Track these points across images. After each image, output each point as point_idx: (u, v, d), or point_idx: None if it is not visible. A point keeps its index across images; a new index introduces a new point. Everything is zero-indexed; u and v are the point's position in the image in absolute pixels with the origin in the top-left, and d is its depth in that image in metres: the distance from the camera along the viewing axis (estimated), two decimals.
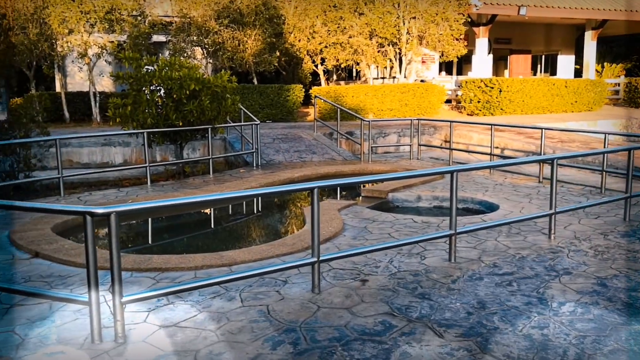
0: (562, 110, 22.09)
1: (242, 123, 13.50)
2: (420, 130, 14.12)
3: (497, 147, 13.07)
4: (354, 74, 27.97)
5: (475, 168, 6.68)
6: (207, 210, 9.52)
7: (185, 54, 19.07)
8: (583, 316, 4.38)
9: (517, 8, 22.15)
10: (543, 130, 10.91)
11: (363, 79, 25.38)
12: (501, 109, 20.69)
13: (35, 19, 17.29)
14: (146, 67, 11.17)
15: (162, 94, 11.09)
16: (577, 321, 4.29)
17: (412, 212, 8.70)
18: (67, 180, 10.47)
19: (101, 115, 18.64)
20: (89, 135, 13.42)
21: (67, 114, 19.31)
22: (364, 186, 10.07)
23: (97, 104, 18.99)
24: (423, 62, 24.04)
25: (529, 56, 28.58)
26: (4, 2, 16.65)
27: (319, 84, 24.37)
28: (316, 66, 23.62)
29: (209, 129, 11.48)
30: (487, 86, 20.73)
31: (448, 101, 23.35)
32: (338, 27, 21.13)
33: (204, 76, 11.59)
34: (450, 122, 13.06)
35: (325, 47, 21.55)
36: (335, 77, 27.33)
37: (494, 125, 12.07)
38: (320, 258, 4.85)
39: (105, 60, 19.28)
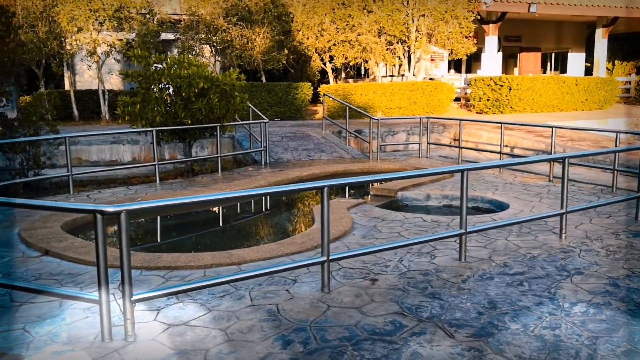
0: (572, 108, 21.94)
1: (251, 121, 13.49)
2: (429, 128, 14.06)
3: (506, 146, 12.98)
4: (363, 72, 27.90)
5: (486, 167, 6.64)
6: (216, 209, 9.52)
7: (193, 52, 19.10)
8: (595, 317, 4.34)
9: (527, 5, 22.00)
10: (553, 128, 10.82)
11: (371, 77, 25.32)
12: (511, 107, 20.57)
13: (45, 17, 17.38)
14: (155, 65, 11.18)
15: (171, 92, 11.11)
16: (589, 322, 4.25)
17: (421, 211, 8.67)
18: (77, 178, 10.50)
19: (110, 113, 18.71)
20: (98, 134, 13.45)
21: (76, 112, 19.40)
22: (372, 185, 10.03)
23: (106, 102, 19.06)
24: (432, 60, 23.96)
25: (539, 54, 28.41)
26: (14, 0, 16.72)
27: (327, 82, 24.34)
28: (324, 64, 23.59)
29: (218, 127, 11.49)
30: (496, 84, 20.62)
31: (457, 99, 23.26)
32: (347, 24, 21.09)
33: (213, 74, 11.59)
34: (460, 120, 13.00)
35: (334, 44, 21.51)
36: (343, 75, 27.28)
37: (504, 123, 12.00)
38: (330, 257, 4.83)
39: (114, 58, 19.33)
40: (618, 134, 9.59)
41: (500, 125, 11.96)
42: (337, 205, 8.11)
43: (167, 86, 11.06)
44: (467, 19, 20.54)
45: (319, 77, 25.39)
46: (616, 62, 29.02)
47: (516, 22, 24.99)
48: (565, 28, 27.87)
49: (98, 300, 3.94)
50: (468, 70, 27.67)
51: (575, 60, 28.83)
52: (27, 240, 6.55)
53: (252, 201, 10.01)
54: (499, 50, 24.67)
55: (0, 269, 5.69)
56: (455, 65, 27.49)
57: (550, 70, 29.81)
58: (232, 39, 19.22)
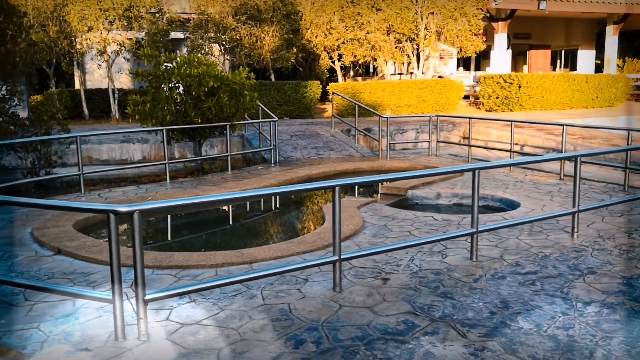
0: (582, 106, 21.81)
1: (260, 120, 13.51)
2: (439, 126, 14.02)
3: (516, 144, 12.92)
4: (371, 70, 27.86)
5: (498, 166, 6.61)
6: (225, 207, 9.54)
7: (202, 51, 19.14)
8: (609, 317, 4.31)
9: (537, 2, 21.87)
10: (564, 126, 10.76)
11: (380, 75, 25.28)
12: (520, 105, 20.47)
13: (55, 16, 17.47)
14: (165, 64, 11.22)
15: (181, 91, 11.14)
16: (603, 322, 4.22)
17: (431, 210, 8.64)
18: (87, 177, 10.54)
19: (120, 112, 18.79)
20: (109, 133, 13.50)
21: (86, 111, 19.50)
22: (382, 183, 10.02)
23: (116, 101, 19.14)
24: (441, 57, 23.88)
25: (549, 51, 28.24)
26: (25, 1, 16.83)
27: (336, 80, 24.32)
28: (333, 62, 23.57)
29: (227, 126, 11.50)
30: (506, 82, 20.52)
31: (466, 97, 23.17)
32: (355, 23, 21.06)
33: (223, 73, 11.61)
34: (470, 118, 12.95)
35: (343, 43, 21.49)
36: (352, 73, 27.25)
37: (514, 121, 11.94)
38: (342, 256, 4.83)
39: (124, 57, 19.41)
40: (630, 132, 9.52)
41: (510, 123, 11.90)
42: (347, 204, 8.10)
43: (177, 85, 11.10)
44: (476, 16, 20.45)
45: (327, 76, 25.38)
46: (627, 59, 28.81)
47: (526, 19, 24.85)
48: (575, 25, 27.69)
49: (111, 299, 3.96)
50: (477, 68, 27.56)
51: (585, 58, 28.63)
52: (39, 239, 6.60)
53: (262, 200, 10.02)
54: (508, 48, 24.54)
55: (13, 267, 5.73)
56: (464, 62, 27.40)
57: (560, 67, 29.64)
58: (241, 37, 19.24)
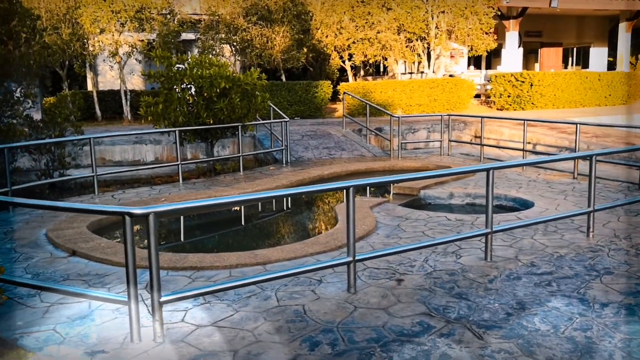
0: (595, 104, 21.64)
1: (272, 120, 13.52)
2: (450, 125, 13.96)
3: (529, 143, 12.84)
4: (382, 70, 27.80)
5: (513, 165, 6.56)
6: (237, 207, 9.55)
7: (213, 52, 19.20)
8: (628, 318, 4.27)
9: (548, 0, 21.72)
10: (578, 125, 10.67)
11: (391, 74, 25.22)
12: (532, 104, 20.35)
13: (68, 19, 17.61)
14: (177, 65, 11.26)
15: (193, 92, 11.17)
16: (621, 323, 4.18)
17: (444, 210, 8.60)
18: (101, 178, 10.61)
19: (132, 113, 18.89)
20: (122, 134, 13.58)
21: (98, 112, 19.63)
22: (393, 183, 9.98)
23: (128, 102, 19.25)
24: (452, 56, 23.79)
25: (560, 49, 28.03)
26: (38, 4, 16.96)
27: (346, 80, 24.30)
28: (343, 62, 23.55)
29: (239, 127, 11.52)
30: (517, 80, 20.41)
31: (477, 96, 23.06)
32: (366, 22, 21.03)
33: (234, 74, 11.63)
34: (482, 117, 12.88)
35: (353, 42, 21.47)
36: (362, 72, 27.22)
37: (527, 120, 11.84)
38: (356, 258, 4.82)
39: (135, 59, 19.52)
40: None
41: (523, 122, 11.81)
42: (359, 204, 8.07)
43: (189, 86, 11.13)
44: (487, 15, 20.36)
45: (337, 75, 25.37)
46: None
47: (537, 17, 24.69)
48: (587, 22, 27.46)
49: (127, 301, 3.97)
50: (488, 67, 27.43)
51: (598, 55, 28.39)
52: (54, 240, 6.64)
53: (273, 200, 10.02)
54: (519, 46, 24.41)
55: (29, 269, 5.77)
56: (475, 61, 27.26)
57: (572, 65, 29.42)
58: (252, 38, 19.28)
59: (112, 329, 4.25)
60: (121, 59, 18.89)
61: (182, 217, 8.88)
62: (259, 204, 9.78)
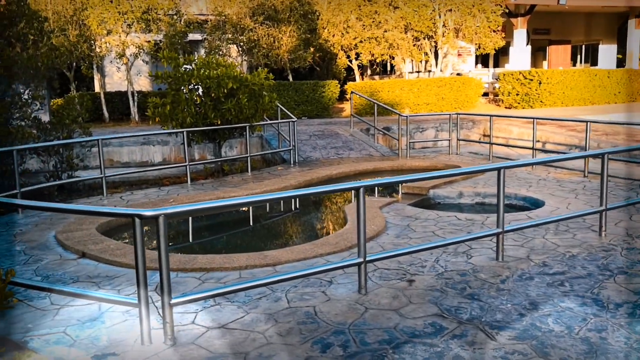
0: (604, 101, 21.49)
1: (279, 120, 13.50)
2: (459, 124, 13.89)
3: (538, 141, 12.74)
4: (389, 69, 27.73)
5: (524, 164, 6.51)
6: (245, 208, 9.53)
7: (220, 52, 19.20)
8: None
9: None
10: (588, 123, 10.57)
11: (398, 73, 25.16)
12: (541, 102, 20.23)
13: (75, 20, 17.67)
14: (184, 66, 11.25)
15: (200, 93, 11.16)
16: (636, 324, 4.12)
17: (454, 209, 8.55)
18: (109, 179, 10.62)
19: (139, 114, 18.93)
20: (130, 135, 13.59)
21: (106, 114, 19.68)
22: (404, 183, 9.92)
23: (135, 103, 19.29)
24: (459, 55, 23.69)
25: (569, 47, 27.87)
26: (45, 6, 17.01)
27: (353, 79, 24.26)
28: (350, 61, 23.50)
29: (247, 127, 11.51)
30: (525, 78, 20.30)
31: (485, 94, 22.96)
32: (373, 21, 20.98)
33: (242, 74, 11.61)
34: (490, 116, 12.81)
35: (360, 41, 21.43)
36: (369, 72, 27.15)
37: (536, 118, 11.74)
38: (367, 258, 4.78)
39: (142, 60, 19.55)
40: None
41: (532, 120, 11.71)
42: (369, 204, 8.01)
43: (196, 87, 11.13)
44: (495, 12, 20.27)
45: (344, 75, 25.32)
46: None
47: (545, 14, 24.57)
48: (595, 19, 27.29)
49: (137, 304, 3.95)
50: (496, 65, 27.31)
51: (607, 52, 28.21)
52: (63, 242, 6.64)
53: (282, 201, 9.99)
54: (527, 44, 24.27)
55: (39, 271, 5.77)
56: (482, 59, 27.16)
57: (581, 63, 29.25)
58: (259, 38, 19.27)
59: (122, 331, 4.24)
60: (128, 60, 18.92)
61: (190, 218, 8.87)
62: (268, 204, 9.76)
